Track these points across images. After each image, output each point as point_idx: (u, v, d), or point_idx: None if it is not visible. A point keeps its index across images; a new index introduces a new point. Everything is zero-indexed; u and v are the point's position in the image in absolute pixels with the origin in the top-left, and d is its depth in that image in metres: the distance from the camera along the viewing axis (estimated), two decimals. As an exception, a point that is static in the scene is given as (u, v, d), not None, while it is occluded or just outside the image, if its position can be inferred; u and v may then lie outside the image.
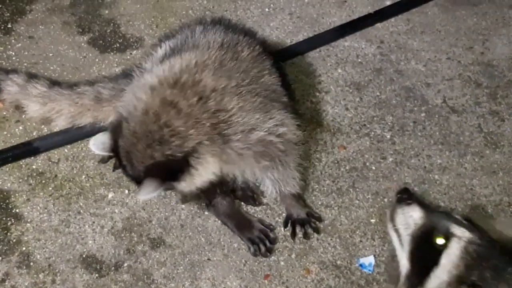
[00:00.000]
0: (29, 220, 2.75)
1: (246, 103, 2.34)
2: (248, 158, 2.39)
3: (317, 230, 2.72)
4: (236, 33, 2.67)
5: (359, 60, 3.40)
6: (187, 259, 2.64)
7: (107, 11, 3.67)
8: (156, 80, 2.32)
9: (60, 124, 2.97)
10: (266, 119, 2.38)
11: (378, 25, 3.59)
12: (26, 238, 2.69)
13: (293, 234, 2.71)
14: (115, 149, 2.33)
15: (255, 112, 2.35)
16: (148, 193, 2.22)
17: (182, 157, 2.22)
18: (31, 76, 3.07)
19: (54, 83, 3.04)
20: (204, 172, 2.30)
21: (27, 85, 3.00)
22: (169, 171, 2.24)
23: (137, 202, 2.80)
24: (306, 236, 2.70)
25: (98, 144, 2.34)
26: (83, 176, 2.90)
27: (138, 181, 2.31)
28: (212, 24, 2.74)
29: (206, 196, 2.67)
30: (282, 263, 2.63)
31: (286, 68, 3.32)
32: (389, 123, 3.10)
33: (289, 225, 2.74)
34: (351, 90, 3.25)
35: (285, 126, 2.45)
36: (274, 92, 2.54)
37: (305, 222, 2.72)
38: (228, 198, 2.72)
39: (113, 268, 2.60)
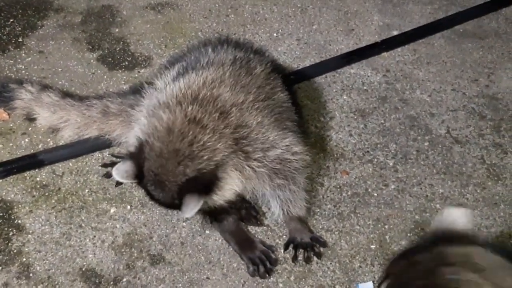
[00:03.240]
0: (30, 232, 2.76)
1: (264, 119, 2.37)
2: (263, 175, 2.41)
3: (319, 255, 2.72)
4: (247, 51, 2.70)
5: (365, 87, 3.43)
6: (186, 276, 2.64)
7: (117, 30, 3.72)
8: (174, 98, 2.33)
9: (66, 134, 3.01)
10: (283, 137, 2.42)
11: (385, 54, 3.63)
12: (27, 249, 2.70)
13: (295, 257, 2.71)
14: (139, 176, 2.33)
15: (273, 129, 2.38)
16: (192, 209, 2.22)
17: (212, 170, 2.24)
18: (45, 86, 3.14)
19: (66, 94, 3.10)
20: (231, 184, 2.34)
21: (41, 94, 3.06)
22: (204, 185, 2.25)
23: (139, 218, 2.81)
24: (308, 260, 2.70)
25: (121, 173, 2.33)
26: (86, 190, 2.92)
27: (168, 203, 2.34)
28: (221, 43, 2.77)
29: (219, 211, 2.67)
30: (280, 285, 2.63)
31: (292, 92, 3.35)
32: (393, 151, 3.11)
33: (290, 248, 2.74)
34: (355, 117, 3.27)
35: (300, 145, 2.50)
36: (287, 109, 2.57)
37: (308, 246, 2.72)
38: (234, 216, 2.72)
39: (112, 282, 2.60)
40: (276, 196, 2.59)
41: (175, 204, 2.31)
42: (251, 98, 2.38)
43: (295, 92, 3.36)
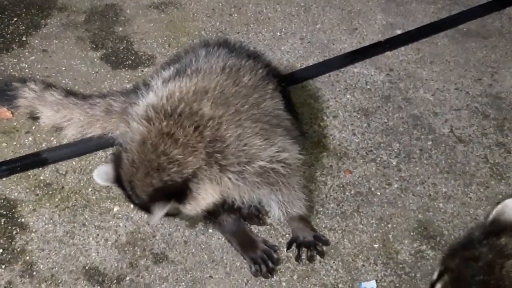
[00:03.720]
0: (34, 230, 2.76)
1: (245, 130, 2.36)
2: (245, 187, 2.41)
3: (322, 254, 2.72)
4: (240, 57, 2.68)
5: (368, 86, 3.43)
6: (189, 275, 2.64)
7: (121, 29, 3.72)
8: (153, 110, 2.35)
9: (70, 132, 3.02)
10: (267, 146, 2.39)
11: (388, 53, 3.63)
12: (30, 247, 2.70)
13: (298, 257, 2.70)
14: (118, 180, 2.38)
15: (255, 139, 2.37)
16: (159, 217, 2.27)
17: (181, 182, 2.27)
18: (49, 85, 3.15)
19: (69, 92, 3.11)
20: (206, 195, 2.35)
21: (44, 92, 3.08)
22: (171, 194, 2.28)
23: (142, 217, 2.81)
24: (311, 259, 2.70)
25: (101, 175, 2.41)
26: (90, 189, 2.92)
27: (144, 208, 2.38)
28: (217, 47, 2.75)
29: (211, 214, 2.69)
30: (283, 283, 2.63)
31: (296, 91, 3.36)
32: (396, 150, 3.11)
33: (293, 247, 2.73)
34: (359, 116, 3.27)
35: (287, 152, 2.47)
36: (276, 117, 2.54)
37: (311, 245, 2.72)
38: (234, 216, 2.72)
39: (115, 281, 2.61)
40: (271, 199, 2.60)
41: (149, 209, 2.35)
42: (232, 111, 2.37)
43: (298, 91, 3.37)
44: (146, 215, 2.68)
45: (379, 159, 3.08)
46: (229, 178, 2.34)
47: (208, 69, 2.49)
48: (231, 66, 2.53)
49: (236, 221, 2.75)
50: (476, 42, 3.72)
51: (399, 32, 3.75)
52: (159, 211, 2.26)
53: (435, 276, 2.05)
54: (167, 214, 2.34)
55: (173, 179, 2.26)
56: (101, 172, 2.41)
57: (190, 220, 2.78)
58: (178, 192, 2.29)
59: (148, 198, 2.30)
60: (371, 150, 3.11)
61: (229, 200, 2.46)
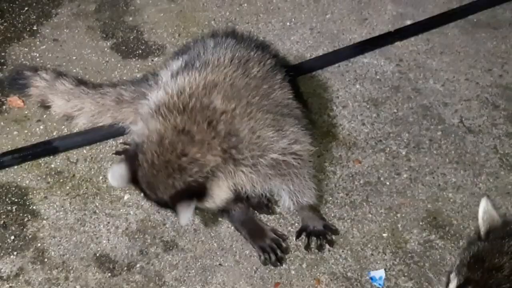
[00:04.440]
0: (45, 217, 2.79)
1: (258, 122, 2.36)
2: (258, 179, 2.42)
3: (331, 243, 2.73)
4: (248, 47, 2.68)
5: (378, 77, 3.43)
6: (199, 263, 2.66)
7: (131, 18, 3.73)
8: (166, 107, 2.34)
9: (80, 122, 3.03)
10: (279, 138, 2.40)
11: (398, 43, 3.62)
12: (41, 234, 2.73)
13: (308, 245, 2.72)
14: (134, 180, 2.36)
15: (267, 131, 2.38)
16: (187, 217, 2.27)
17: (203, 181, 2.28)
18: (60, 74, 3.16)
19: (80, 82, 3.12)
20: (220, 192, 2.36)
21: (55, 81, 3.08)
22: (194, 194, 2.28)
23: (152, 205, 2.81)
24: (320, 248, 2.71)
25: (116, 177, 2.37)
26: (100, 177, 2.94)
27: (161, 204, 2.39)
28: (225, 38, 2.76)
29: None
30: (292, 272, 2.65)
31: (305, 81, 3.36)
32: (405, 140, 3.12)
33: (303, 235, 2.75)
34: (368, 106, 3.27)
35: (299, 144, 2.47)
36: (286, 106, 2.54)
37: (320, 234, 2.73)
38: (243, 205, 2.74)
39: (125, 268, 2.63)
40: (282, 188, 2.61)
41: (168, 206, 2.36)
42: (244, 102, 2.37)
43: (307, 81, 3.37)
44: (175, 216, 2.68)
45: (388, 149, 3.08)
46: (243, 172, 2.35)
47: (217, 61, 2.49)
48: (240, 58, 2.54)
49: (245, 210, 2.76)
50: (486, 32, 3.70)
51: (409, 22, 3.74)
52: (186, 211, 2.26)
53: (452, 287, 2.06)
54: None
55: (196, 179, 2.27)
56: (115, 174, 2.37)
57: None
58: (199, 192, 2.30)
59: (171, 199, 2.30)
60: (381, 140, 3.12)
61: (241, 191, 2.47)
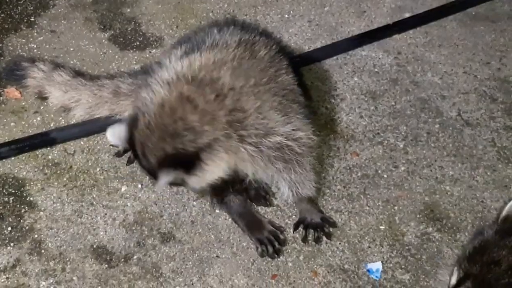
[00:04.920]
0: (42, 209, 2.78)
1: (265, 103, 2.37)
2: (261, 159, 2.42)
3: (328, 235, 2.73)
4: (252, 33, 2.69)
5: (376, 69, 3.43)
6: (196, 255, 2.66)
7: (129, 10, 3.72)
8: (174, 75, 2.35)
9: (78, 113, 3.03)
10: (284, 122, 2.41)
11: (396, 36, 3.62)
12: (38, 226, 2.73)
13: (305, 238, 2.72)
14: (130, 141, 2.38)
15: (274, 113, 2.38)
16: (164, 184, 2.28)
17: (194, 152, 2.26)
18: (57, 65, 3.16)
19: (78, 73, 3.11)
20: (216, 168, 2.35)
21: (53, 73, 3.08)
22: (180, 163, 2.28)
23: (149, 197, 2.83)
24: (318, 240, 2.71)
25: (114, 133, 2.42)
26: (98, 169, 2.94)
27: (151, 173, 2.37)
28: (228, 25, 2.77)
29: (219, 193, 2.70)
30: (290, 264, 2.65)
31: (303, 74, 3.35)
32: (403, 133, 3.12)
33: (300, 228, 2.75)
34: (366, 99, 3.27)
35: (302, 131, 2.48)
36: (292, 91, 2.57)
37: (318, 226, 2.73)
38: (241, 197, 2.74)
39: (122, 259, 2.63)
40: (282, 178, 2.61)
41: (155, 175, 2.35)
42: (252, 83, 2.37)
43: (306, 74, 3.36)
44: (152, 184, 2.70)
45: (386, 141, 3.08)
46: (246, 150, 2.35)
47: (224, 43, 2.50)
48: (246, 41, 2.55)
49: (243, 202, 2.76)
50: (485, 25, 3.70)
51: (407, 15, 3.74)
52: (165, 178, 2.27)
53: (453, 280, 2.06)
54: (172, 183, 2.35)
55: (186, 148, 2.25)
56: (115, 131, 2.42)
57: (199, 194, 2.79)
58: (187, 162, 2.29)
59: (157, 162, 2.29)
60: (378, 133, 3.12)
61: (242, 174, 2.46)
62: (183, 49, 2.66)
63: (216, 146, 2.29)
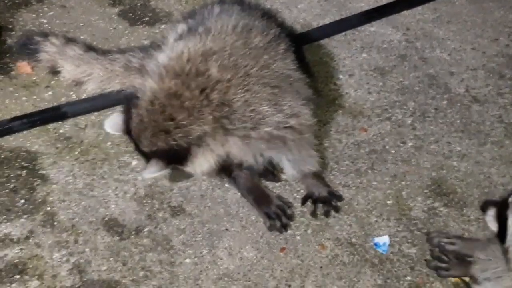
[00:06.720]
0: (54, 182, 2.82)
1: (253, 95, 2.38)
2: (251, 151, 2.47)
3: (337, 209, 2.76)
4: (253, 15, 2.69)
5: (384, 45, 3.44)
6: (206, 228, 2.70)
7: (138, -15, 3.73)
8: (164, 69, 2.40)
9: (89, 87, 3.06)
10: (275, 112, 2.42)
11: (405, 12, 3.62)
12: (51, 198, 2.77)
13: (314, 212, 2.75)
14: (127, 131, 2.48)
15: (262, 105, 2.40)
16: (152, 173, 2.38)
17: (185, 146, 2.35)
18: (70, 40, 3.19)
19: (90, 48, 3.14)
20: (206, 160, 2.43)
21: (65, 47, 3.11)
22: (172, 157, 2.37)
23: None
24: (326, 214, 2.74)
25: (112, 124, 2.52)
26: (108, 143, 2.97)
27: (146, 158, 2.47)
28: (231, 5, 2.76)
29: (225, 171, 2.74)
30: (298, 237, 2.68)
31: (312, 50, 3.37)
32: (411, 109, 3.13)
33: (308, 202, 2.78)
34: (374, 75, 3.29)
35: (296, 117, 2.49)
36: (287, 77, 2.55)
37: (326, 200, 2.76)
38: (248, 172, 2.77)
39: (134, 232, 2.67)
40: (282, 158, 2.64)
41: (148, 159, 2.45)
42: (241, 73, 2.38)
43: (314, 50, 3.37)
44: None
45: (394, 117, 3.10)
46: (234, 142, 2.40)
47: (219, 29, 2.51)
48: (243, 26, 2.54)
49: (252, 176, 2.79)
50: (494, 2, 3.70)
51: (416, -9, 3.73)
52: (154, 169, 2.37)
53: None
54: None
55: (179, 144, 2.34)
56: (112, 121, 2.52)
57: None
58: (179, 155, 2.38)
59: (150, 153, 2.39)
60: (386, 109, 3.13)
61: (233, 160, 2.51)
62: (183, 27, 2.66)
63: (205, 139, 2.36)
